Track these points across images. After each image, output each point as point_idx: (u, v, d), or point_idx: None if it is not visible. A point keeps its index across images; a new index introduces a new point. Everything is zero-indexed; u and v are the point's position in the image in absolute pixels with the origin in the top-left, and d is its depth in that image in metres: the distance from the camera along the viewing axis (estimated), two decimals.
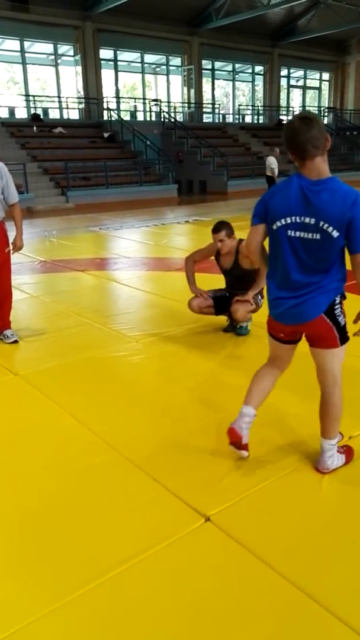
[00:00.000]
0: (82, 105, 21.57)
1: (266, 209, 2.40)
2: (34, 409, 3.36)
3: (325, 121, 28.86)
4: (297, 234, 2.32)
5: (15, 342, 4.46)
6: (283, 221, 2.34)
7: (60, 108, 21.47)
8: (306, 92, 30.30)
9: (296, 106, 29.85)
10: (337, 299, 2.41)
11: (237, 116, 26.72)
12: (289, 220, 2.32)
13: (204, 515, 2.29)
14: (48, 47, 20.89)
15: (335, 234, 2.25)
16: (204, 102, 25.15)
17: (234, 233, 4.43)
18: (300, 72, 29.41)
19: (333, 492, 2.47)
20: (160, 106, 23.18)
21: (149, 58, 23.87)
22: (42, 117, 20.09)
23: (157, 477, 2.56)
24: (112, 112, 20.95)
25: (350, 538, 2.17)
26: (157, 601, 1.89)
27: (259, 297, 4.45)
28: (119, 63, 22.78)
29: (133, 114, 23.68)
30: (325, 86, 30.72)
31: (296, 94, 30.19)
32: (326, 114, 29.94)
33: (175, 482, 2.52)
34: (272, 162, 14.18)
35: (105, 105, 21.42)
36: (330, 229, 2.24)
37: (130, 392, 3.56)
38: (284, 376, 3.66)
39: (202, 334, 4.60)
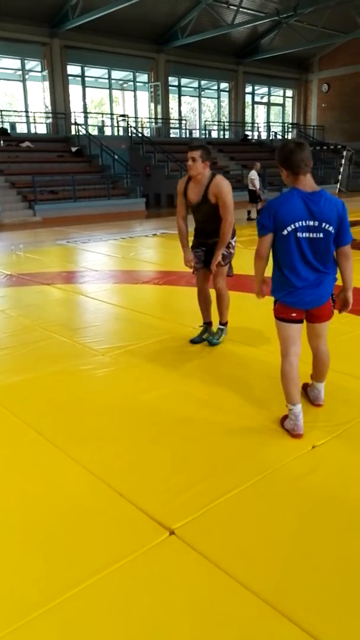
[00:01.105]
0: (49, 120, 21.55)
1: (274, 219, 2.85)
2: None
3: (289, 136, 29.44)
4: (305, 234, 2.84)
5: None
6: (292, 226, 2.83)
7: (28, 123, 21.40)
8: (270, 108, 30.89)
9: (261, 122, 30.40)
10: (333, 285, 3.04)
11: (203, 131, 27.05)
12: (297, 225, 2.82)
13: (168, 528, 2.26)
14: (15, 63, 20.88)
15: (333, 231, 2.84)
16: (170, 117, 25.41)
17: (210, 160, 4.19)
18: (265, 89, 30.01)
19: (298, 502, 2.47)
20: (127, 121, 23.31)
21: (116, 74, 24.06)
22: (9, 131, 19.98)
23: (122, 491, 2.53)
24: (79, 126, 20.97)
25: (315, 549, 2.18)
26: (120, 617, 1.86)
27: (231, 248, 4.39)
28: (86, 79, 22.87)
29: (101, 129, 23.75)
30: (288, 103, 31.39)
31: (261, 110, 30.76)
32: (290, 129, 30.57)
33: (141, 495, 2.50)
34: (251, 174, 14.44)
35: (73, 120, 21.43)
36: (330, 228, 2.83)
37: (96, 406, 3.52)
38: (249, 390, 3.69)
39: (170, 346, 4.60)
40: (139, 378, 3.95)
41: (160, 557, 2.13)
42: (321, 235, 2.83)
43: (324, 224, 2.81)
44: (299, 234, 2.83)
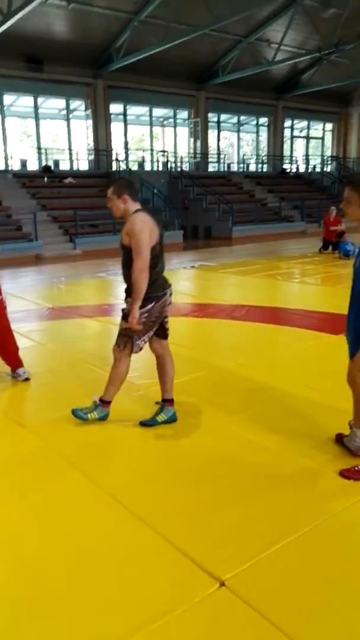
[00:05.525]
0: (92, 157, 22.17)
1: None
2: (39, 463, 3.25)
3: (329, 169, 29.44)
4: None
5: (27, 379, 4.66)
6: None
7: (71, 159, 22.05)
8: (309, 141, 31.03)
9: (299, 155, 30.53)
10: None
11: (241, 165, 27.31)
12: None
13: (218, 579, 2.15)
14: (60, 103, 21.67)
15: None
16: (209, 152, 25.79)
17: (128, 193, 3.64)
18: (304, 123, 30.18)
19: (355, 554, 2.33)
20: (167, 156, 23.76)
21: (157, 112, 24.65)
22: (52, 168, 20.62)
23: (168, 537, 2.43)
24: (120, 162, 21.47)
25: None
26: None
27: (150, 313, 3.76)
28: (128, 117, 23.53)
29: (141, 164, 24.27)
30: (328, 136, 31.46)
31: (299, 144, 30.91)
32: (329, 162, 30.57)
33: (187, 541, 2.39)
34: None
35: (114, 157, 21.99)
36: None
37: (139, 444, 3.45)
38: (298, 431, 3.56)
39: (211, 381, 4.51)
40: (180, 416, 3.86)
41: (211, 610, 2.01)
42: None
43: None
44: None
